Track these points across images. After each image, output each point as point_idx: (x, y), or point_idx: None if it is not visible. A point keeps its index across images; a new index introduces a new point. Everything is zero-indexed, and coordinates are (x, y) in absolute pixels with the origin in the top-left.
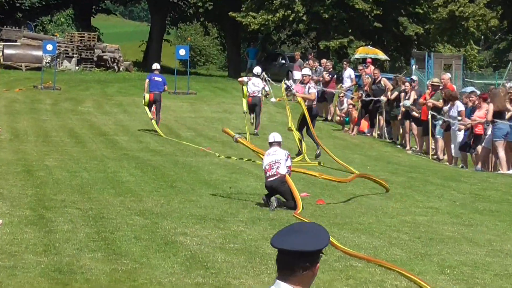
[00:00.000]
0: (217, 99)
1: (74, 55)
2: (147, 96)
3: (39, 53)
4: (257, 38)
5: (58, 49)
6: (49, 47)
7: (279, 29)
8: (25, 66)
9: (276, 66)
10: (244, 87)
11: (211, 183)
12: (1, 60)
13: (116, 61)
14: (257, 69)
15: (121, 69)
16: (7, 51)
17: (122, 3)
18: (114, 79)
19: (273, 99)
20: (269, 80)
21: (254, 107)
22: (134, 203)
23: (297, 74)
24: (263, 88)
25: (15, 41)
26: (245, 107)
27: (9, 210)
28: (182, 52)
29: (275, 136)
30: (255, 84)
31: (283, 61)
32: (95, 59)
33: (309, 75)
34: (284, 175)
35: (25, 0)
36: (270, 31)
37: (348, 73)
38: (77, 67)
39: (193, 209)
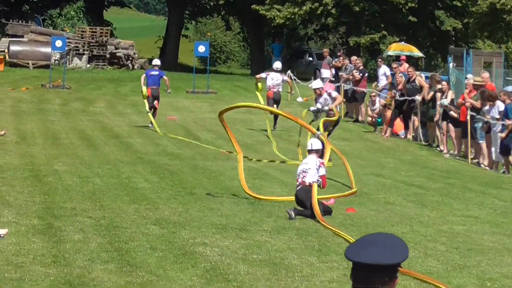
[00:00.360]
0: (238, 99)
1: (85, 52)
2: (144, 88)
3: (48, 49)
4: (282, 33)
5: (68, 45)
6: (58, 43)
7: (306, 24)
8: (33, 64)
9: (303, 63)
10: (259, 83)
11: (233, 189)
12: (7, 57)
13: (130, 58)
14: (277, 64)
15: (135, 67)
16: (13, 48)
17: None
18: (128, 77)
19: (299, 99)
20: (295, 79)
21: (277, 102)
22: (150, 211)
23: (325, 73)
24: (283, 81)
25: (22, 36)
26: (261, 102)
27: (16, 219)
28: (201, 48)
29: (312, 144)
30: (274, 78)
31: (310, 59)
32: (107, 56)
33: (321, 87)
34: (309, 184)
35: None
36: (296, 26)
37: (383, 70)
38: (88, 65)
39: (213, 217)
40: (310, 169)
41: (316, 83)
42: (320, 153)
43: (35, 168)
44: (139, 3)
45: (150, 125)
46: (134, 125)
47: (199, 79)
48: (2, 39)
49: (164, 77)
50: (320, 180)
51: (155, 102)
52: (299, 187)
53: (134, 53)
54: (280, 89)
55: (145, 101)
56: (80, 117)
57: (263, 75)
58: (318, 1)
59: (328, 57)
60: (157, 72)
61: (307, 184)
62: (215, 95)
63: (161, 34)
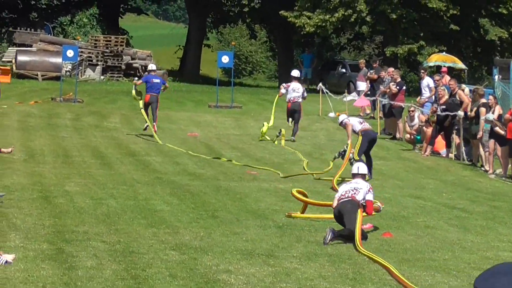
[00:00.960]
0: (265, 113)
1: (99, 63)
2: (134, 92)
3: (58, 60)
4: (313, 42)
5: (80, 55)
6: (70, 53)
7: (338, 32)
8: (42, 75)
9: (335, 75)
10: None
11: (259, 212)
12: (14, 68)
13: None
14: (296, 72)
15: None
16: (21, 58)
17: (154, 1)
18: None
19: (331, 114)
20: (327, 92)
21: (293, 113)
22: (169, 235)
23: (361, 85)
24: (303, 93)
25: (30, 46)
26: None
27: (24, 243)
28: (225, 59)
29: (359, 167)
30: (295, 89)
31: (343, 70)
32: (123, 67)
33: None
34: (359, 202)
35: None
36: (328, 34)
37: (426, 82)
38: (102, 77)
39: (238, 242)
40: (362, 189)
41: (341, 118)
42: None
43: (45, 188)
44: (158, 10)
45: (146, 126)
46: (152, 142)
47: (222, 92)
48: (9, 48)
49: (166, 84)
50: (366, 204)
51: (154, 124)
52: (345, 200)
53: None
54: (300, 100)
55: (142, 111)
56: (94, 133)
57: (283, 90)
58: (351, 7)
59: (364, 68)
60: (158, 80)
61: (357, 200)
62: (240, 109)
63: (181, 43)
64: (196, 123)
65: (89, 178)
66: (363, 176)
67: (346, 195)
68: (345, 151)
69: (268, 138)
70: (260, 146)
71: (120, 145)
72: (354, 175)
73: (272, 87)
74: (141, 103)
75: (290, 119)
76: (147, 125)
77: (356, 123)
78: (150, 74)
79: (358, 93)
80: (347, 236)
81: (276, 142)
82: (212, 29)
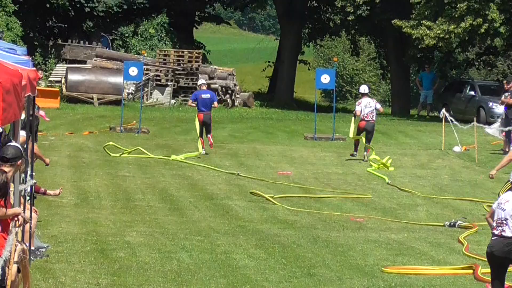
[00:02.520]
0: (375, 147)
1: (169, 83)
2: (197, 125)
3: (119, 79)
4: (434, 58)
5: (146, 73)
6: (133, 71)
7: (465, 46)
8: (98, 99)
9: (462, 99)
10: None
11: (367, 269)
12: (64, 89)
13: (230, 91)
14: (364, 88)
15: (236, 103)
16: (72, 77)
17: (238, 7)
18: (226, 117)
19: (457, 148)
20: (451, 120)
21: (368, 133)
22: None
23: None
24: (376, 107)
25: (84, 62)
26: (351, 134)
27: None
28: (325, 78)
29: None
30: (367, 105)
31: (472, 92)
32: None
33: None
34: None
35: (98, 3)
36: (452, 49)
37: None
38: (173, 101)
39: None
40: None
41: None
42: None
43: (101, 239)
44: (242, 19)
45: (203, 152)
46: (233, 182)
47: (322, 120)
48: (58, 65)
49: (215, 103)
50: None
51: (209, 136)
52: (495, 238)
53: (235, 85)
54: (374, 118)
55: (199, 139)
56: (161, 171)
57: (358, 108)
58: (481, 15)
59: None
60: (208, 95)
61: (508, 237)
62: (343, 141)
63: (271, 59)
64: (289, 159)
65: (156, 226)
66: None
67: (497, 230)
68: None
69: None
70: (367, 188)
71: (194, 186)
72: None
73: (384, 114)
74: (197, 126)
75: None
76: (204, 153)
77: None
78: (200, 89)
79: (506, 124)
80: None
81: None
82: (308, 42)
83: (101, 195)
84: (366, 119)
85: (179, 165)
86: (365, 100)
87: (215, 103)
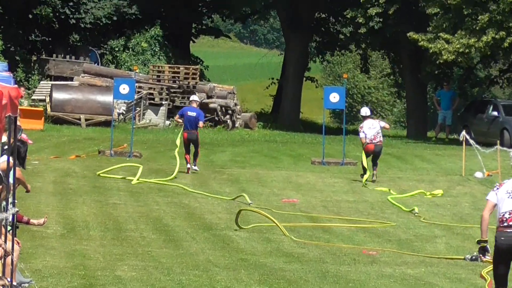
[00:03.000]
0: (389, 172)
1: (164, 102)
2: (178, 140)
3: (108, 98)
4: (453, 75)
5: (138, 91)
6: (124, 88)
7: (487, 61)
8: (86, 120)
9: (484, 120)
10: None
11: None
12: (49, 109)
13: (230, 111)
14: (365, 110)
15: (237, 124)
16: (58, 96)
17: (239, 19)
18: (226, 140)
19: (479, 174)
20: (472, 143)
21: (376, 157)
22: None
23: None
24: (382, 127)
25: (71, 79)
26: (364, 162)
27: None
28: (334, 97)
29: None
30: (371, 127)
31: (495, 113)
32: None
33: None
34: None
35: (85, 15)
36: (473, 64)
37: None
38: (168, 122)
39: None
40: None
41: None
42: None
43: (89, 274)
44: (242, 32)
45: (194, 167)
46: (234, 211)
47: (331, 143)
48: (42, 82)
49: (201, 123)
50: None
51: (193, 147)
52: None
53: (236, 104)
54: (382, 139)
55: (176, 155)
56: (156, 198)
57: (362, 134)
58: (505, 28)
59: None
60: (195, 113)
61: None
62: (354, 166)
63: (275, 76)
64: (295, 186)
65: (149, 259)
66: None
67: None
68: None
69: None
70: (381, 217)
71: (192, 215)
72: None
73: (399, 136)
74: (178, 142)
75: (370, 163)
76: (196, 168)
77: None
78: (189, 106)
79: None
80: None
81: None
82: (315, 57)
83: (90, 225)
84: (373, 141)
85: (174, 192)
86: (367, 123)
87: (201, 123)
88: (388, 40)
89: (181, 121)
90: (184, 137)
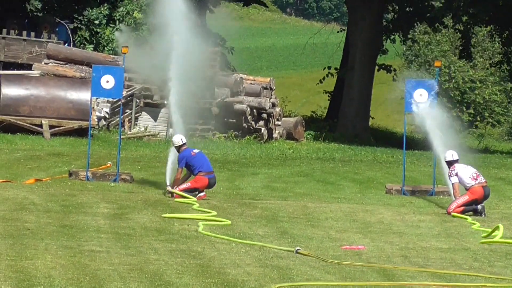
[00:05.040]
0: (501, 205)
1: (165, 102)
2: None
3: (83, 95)
4: None
5: (129, 86)
6: (108, 81)
7: None
8: (51, 127)
9: None
10: None
11: None
12: None
13: (265, 115)
14: (450, 154)
15: (275, 134)
16: (8, 91)
17: None
18: (259, 158)
19: None
20: None
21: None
22: None
23: None
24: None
25: (29, 66)
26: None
27: None
28: (420, 95)
29: None
30: (467, 166)
31: None
32: (215, 110)
33: None
34: None
35: None
36: None
37: None
38: (171, 129)
39: None
40: None
41: None
42: None
43: None
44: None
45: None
46: (270, 263)
47: (415, 163)
48: None
49: (179, 169)
50: None
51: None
52: None
53: (274, 105)
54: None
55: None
56: (153, 243)
57: (454, 179)
58: None
59: None
60: (196, 150)
61: None
62: (449, 197)
63: (333, 64)
64: (362, 226)
65: None
66: None
67: None
68: None
69: None
70: (489, 272)
71: (207, 268)
72: None
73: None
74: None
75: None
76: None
77: None
78: (183, 149)
79: None
80: None
81: None
82: (393, 35)
83: (55, 283)
84: (478, 180)
85: (181, 235)
86: (459, 165)
87: (180, 169)
88: (501, 10)
89: (180, 171)
90: (203, 183)
